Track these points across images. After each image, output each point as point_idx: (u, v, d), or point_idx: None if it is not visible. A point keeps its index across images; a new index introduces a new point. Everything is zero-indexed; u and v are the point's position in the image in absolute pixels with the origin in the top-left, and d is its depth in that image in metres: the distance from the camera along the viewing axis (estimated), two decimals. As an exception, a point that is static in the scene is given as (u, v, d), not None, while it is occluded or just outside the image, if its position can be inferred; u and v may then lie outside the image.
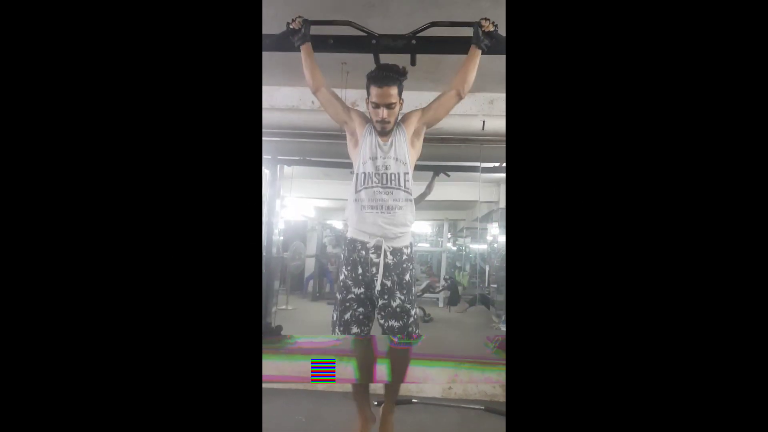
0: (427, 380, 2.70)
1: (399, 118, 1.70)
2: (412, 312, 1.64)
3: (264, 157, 3.48)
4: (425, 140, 1.75)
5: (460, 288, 6.44)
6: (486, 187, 5.55)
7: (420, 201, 3.34)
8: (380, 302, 1.62)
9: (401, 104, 1.69)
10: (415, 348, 1.67)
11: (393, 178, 1.63)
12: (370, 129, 1.67)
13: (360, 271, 1.63)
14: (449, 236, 8.26)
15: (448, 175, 3.43)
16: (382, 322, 1.64)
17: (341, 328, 1.64)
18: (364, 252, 1.63)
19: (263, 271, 3.54)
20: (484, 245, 7.04)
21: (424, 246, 9.49)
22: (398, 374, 1.74)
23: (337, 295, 1.70)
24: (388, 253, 1.61)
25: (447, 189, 5.23)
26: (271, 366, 2.73)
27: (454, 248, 8.79)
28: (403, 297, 1.62)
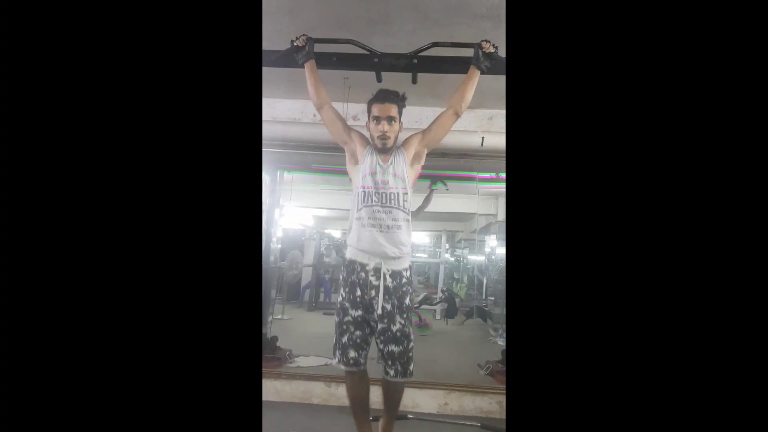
0: (417, 406, 2.70)
1: (398, 140, 1.71)
2: (412, 336, 1.64)
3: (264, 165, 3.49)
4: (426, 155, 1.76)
5: (457, 300, 6.42)
6: (484, 200, 5.58)
7: (419, 213, 3.36)
8: (380, 326, 1.61)
9: (401, 126, 1.70)
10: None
11: (392, 197, 1.63)
12: (371, 150, 1.68)
13: (358, 293, 1.62)
14: (447, 247, 8.27)
15: (447, 188, 3.46)
16: (381, 347, 1.62)
17: (340, 352, 1.64)
18: (363, 274, 1.62)
19: (260, 281, 3.53)
20: (482, 257, 7.05)
21: (422, 257, 9.48)
22: (392, 404, 1.74)
23: (335, 317, 1.69)
24: (387, 276, 1.61)
25: (445, 201, 5.26)
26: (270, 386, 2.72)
27: (452, 259, 8.78)
28: (403, 321, 1.61)
